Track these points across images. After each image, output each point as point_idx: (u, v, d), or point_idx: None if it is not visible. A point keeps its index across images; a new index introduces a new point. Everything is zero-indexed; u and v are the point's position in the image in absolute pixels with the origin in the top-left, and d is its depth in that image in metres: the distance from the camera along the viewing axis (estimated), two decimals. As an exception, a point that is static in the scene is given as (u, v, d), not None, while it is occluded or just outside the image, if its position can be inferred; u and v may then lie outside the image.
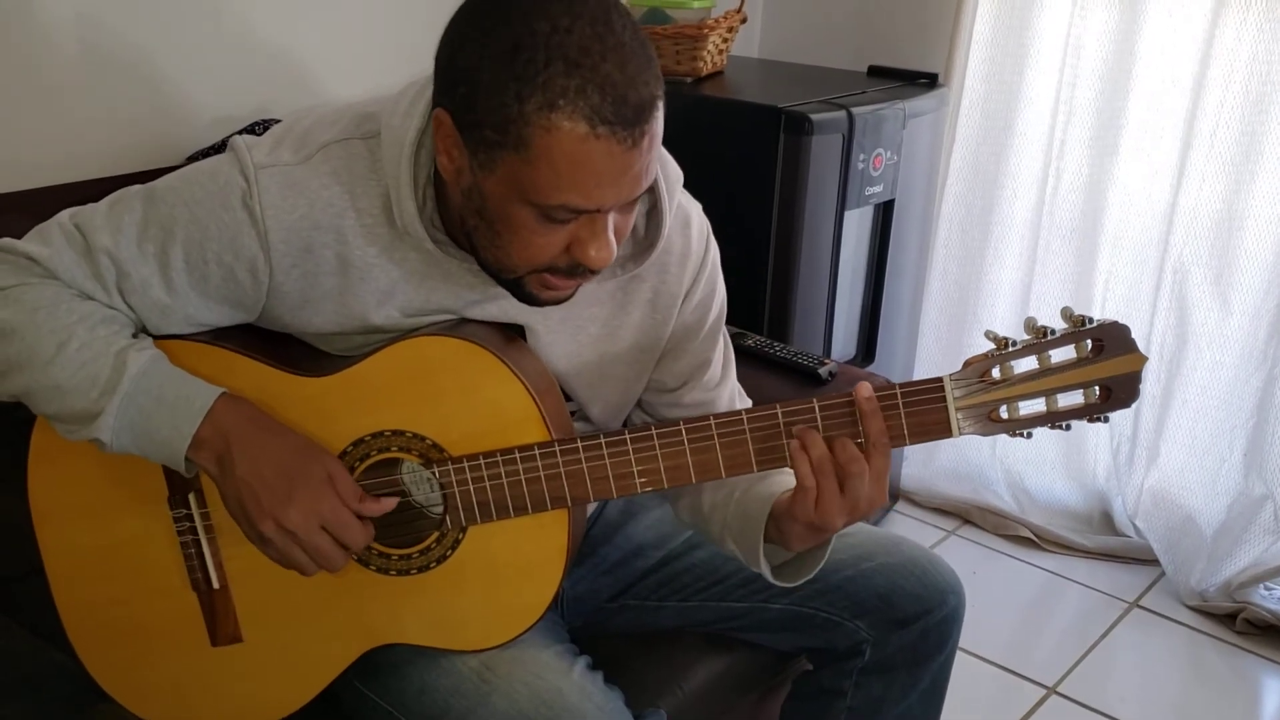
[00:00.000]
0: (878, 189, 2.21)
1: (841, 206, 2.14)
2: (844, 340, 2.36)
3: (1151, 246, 2.38)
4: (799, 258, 2.09)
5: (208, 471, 1.10)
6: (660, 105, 1.01)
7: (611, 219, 1.05)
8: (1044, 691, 2.10)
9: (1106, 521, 2.61)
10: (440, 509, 1.17)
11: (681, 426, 1.12)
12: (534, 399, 1.13)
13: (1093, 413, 1.12)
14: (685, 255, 1.25)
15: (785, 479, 1.21)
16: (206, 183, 1.13)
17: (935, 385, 1.10)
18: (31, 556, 1.22)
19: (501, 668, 1.17)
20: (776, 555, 1.22)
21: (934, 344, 2.68)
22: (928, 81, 2.40)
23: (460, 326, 1.17)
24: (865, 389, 1.08)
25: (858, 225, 2.27)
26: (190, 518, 1.18)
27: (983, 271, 2.58)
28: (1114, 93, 2.33)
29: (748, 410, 1.12)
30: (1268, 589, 2.33)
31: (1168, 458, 2.46)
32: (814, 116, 2.04)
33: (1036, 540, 2.57)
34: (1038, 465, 2.63)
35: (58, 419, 1.12)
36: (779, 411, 1.11)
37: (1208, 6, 2.19)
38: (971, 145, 2.51)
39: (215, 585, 1.19)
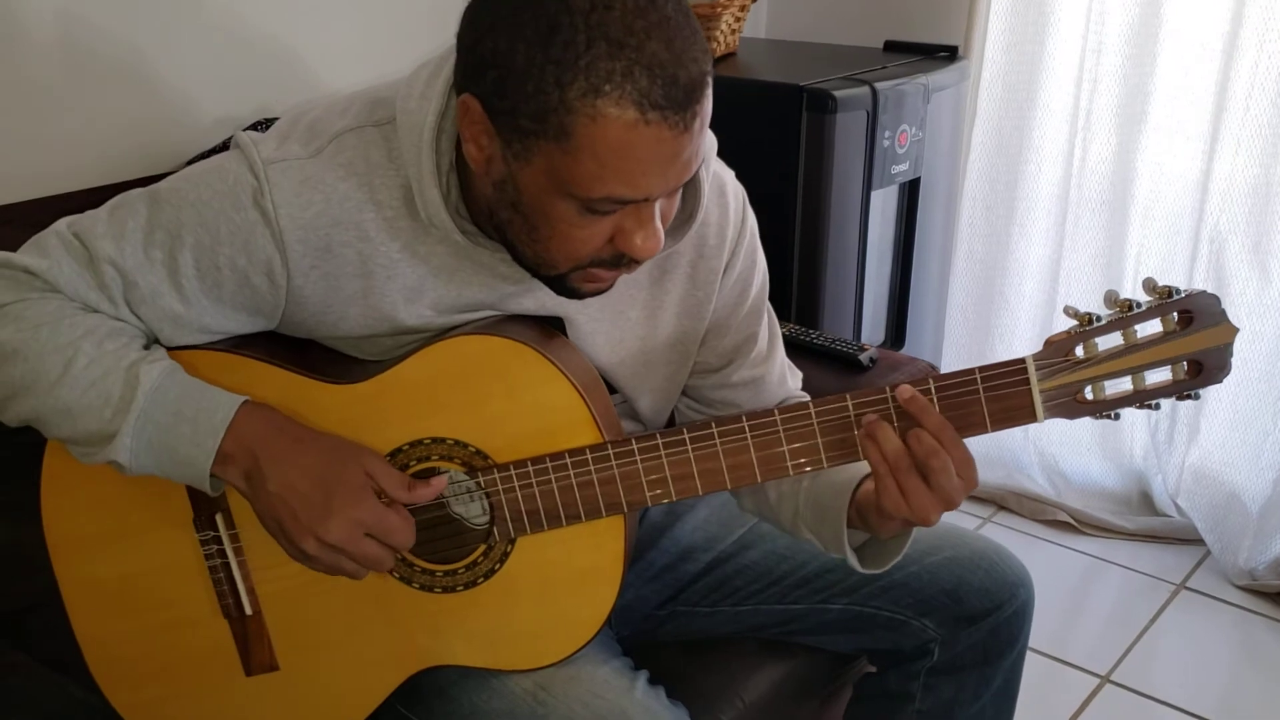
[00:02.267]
0: (903, 167, 2.13)
1: (868, 186, 2.07)
2: (872, 325, 2.29)
3: (1185, 217, 2.30)
4: (826, 241, 2.02)
5: (237, 488, 1.02)
6: (710, 82, 0.93)
7: (658, 206, 0.97)
8: (1097, 681, 2.03)
9: (1145, 502, 2.53)
10: (483, 521, 1.09)
11: (745, 421, 1.04)
12: (583, 398, 1.06)
13: (1183, 390, 1.04)
14: (723, 226, 1.18)
15: (858, 463, 1.13)
16: (214, 182, 1.05)
17: (1018, 367, 1.02)
18: (44, 587, 1.14)
19: (557, 687, 1.09)
20: (854, 538, 1.14)
21: (961, 327, 2.60)
22: (948, 55, 2.32)
23: (500, 324, 1.09)
24: (905, 390, 1.01)
25: (882, 206, 2.19)
26: (218, 540, 1.10)
27: (1009, 250, 2.50)
28: (1141, 59, 2.25)
29: (815, 401, 1.04)
30: (1319, 565, 2.26)
31: (1208, 434, 2.39)
32: (837, 93, 1.96)
33: (1075, 524, 2.50)
34: (1073, 447, 2.56)
35: (71, 442, 1.04)
36: (849, 403, 1.03)
37: (1236, -34, 2.11)
38: (994, 119, 2.44)
39: (248, 611, 1.12)
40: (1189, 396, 1.05)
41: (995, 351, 2.56)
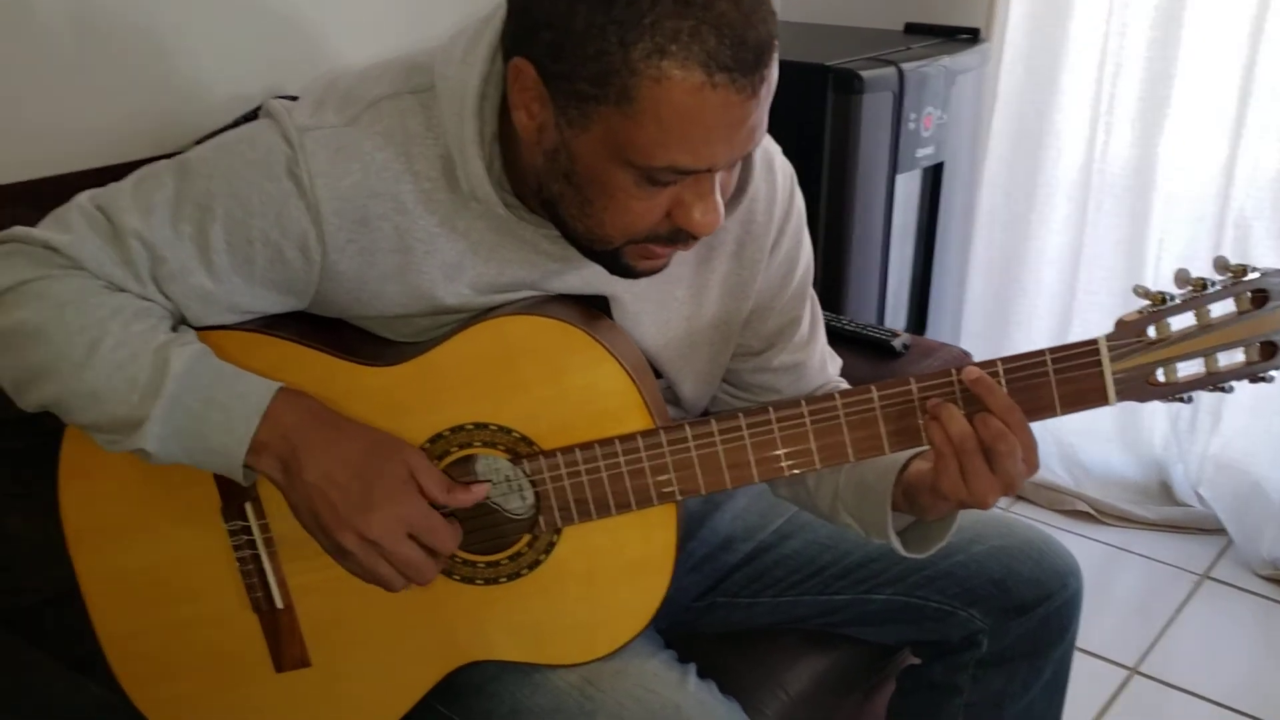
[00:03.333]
0: (929, 150, 2.09)
1: (893, 170, 2.02)
2: (894, 311, 2.25)
3: (1209, 202, 2.26)
4: (852, 225, 1.97)
5: (271, 479, 0.97)
6: (777, 46, 0.89)
7: (719, 178, 0.93)
8: (1126, 673, 1.99)
9: (1165, 492, 2.50)
10: (524, 510, 1.05)
11: (804, 406, 1.00)
12: (634, 381, 1.01)
13: (1256, 371, 1.01)
14: (771, 202, 1.13)
15: None
16: (245, 151, 0.99)
17: (1090, 349, 0.98)
18: (61, 581, 1.09)
19: (605, 681, 1.05)
20: (896, 522, 1.10)
21: (980, 317, 2.56)
22: (969, 37, 2.28)
23: (543, 304, 1.04)
24: (971, 372, 0.96)
25: (905, 190, 2.15)
26: (248, 530, 1.05)
27: (1028, 238, 2.46)
28: (1165, 41, 2.21)
29: (878, 385, 0.99)
30: (1344, 554, 2.23)
31: (1230, 422, 2.36)
32: (864, 74, 1.92)
33: (1094, 514, 2.47)
34: (1091, 437, 2.52)
35: (95, 429, 0.98)
36: (914, 386, 0.99)
37: (1265, -55, 2.07)
38: (1014, 103, 2.39)
39: (278, 605, 1.07)
40: (1263, 379, 1.02)
41: (1013, 340, 2.52)
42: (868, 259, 2.05)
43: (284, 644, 1.08)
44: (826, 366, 1.25)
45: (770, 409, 1.00)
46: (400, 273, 1.02)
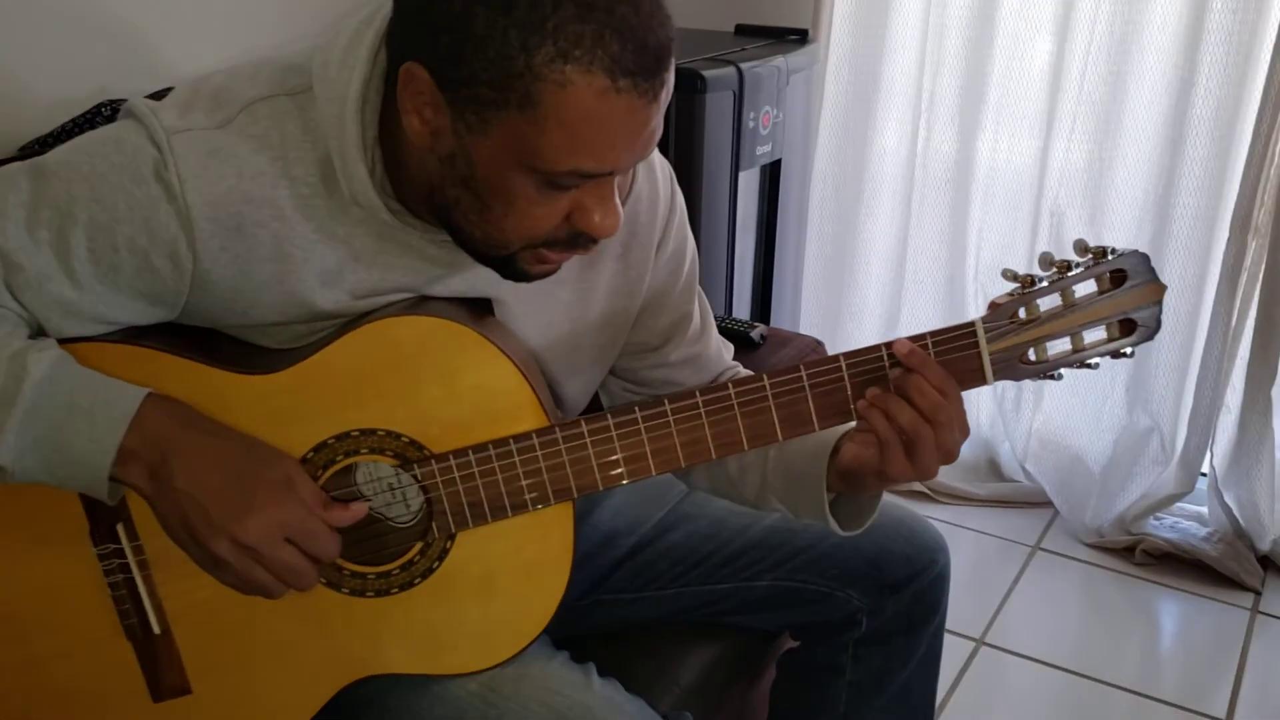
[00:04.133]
0: (767, 148, 2.14)
1: (735, 167, 2.06)
2: (739, 304, 2.28)
3: (1025, 193, 2.39)
4: (699, 222, 2.00)
5: (138, 489, 0.91)
6: (674, 50, 0.89)
7: (616, 181, 0.93)
8: (973, 644, 2.08)
9: (993, 469, 2.63)
10: (409, 519, 1.02)
11: (698, 397, 1.01)
12: (526, 379, 0.99)
13: (1117, 347, 1.06)
14: (654, 201, 1.13)
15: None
16: (109, 154, 0.93)
17: (968, 331, 1.01)
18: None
19: (506, 688, 1.03)
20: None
21: (815, 308, 2.63)
22: (798, 38, 2.34)
23: (426, 304, 1.02)
24: (903, 344, 0.99)
25: (746, 187, 2.19)
26: (120, 553, 0.99)
27: (857, 231, 2.55)
28: (980, 41, 2.32)
29: (805, 364, 1.00)
30: (1158, 519, 2.39)
31: (1051, 400, 2.50)
32: (705, 73, 1.94)
33: (929, 493, 2.57)
34: (924, 419, 2.62)
35: None
36: (801, 370, 1.01)
37: (1068, -50, 2.20)
38: (841, 102, 2.47)
39: (155, 630, 1.01)
40: (1123, 355, 1.07)
41: (847, 331, 2.61)
42: (715, 254, 2.08)
43: (162, 672, 1.02)
44: (723, 354, 1.26)
45: (666, 401, 1.01)
46: (278, 280, 0.97)
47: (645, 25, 0.84)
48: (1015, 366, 1.04)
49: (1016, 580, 2.29)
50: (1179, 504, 2.40)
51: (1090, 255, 1.03)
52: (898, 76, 2.42)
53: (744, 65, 2.03)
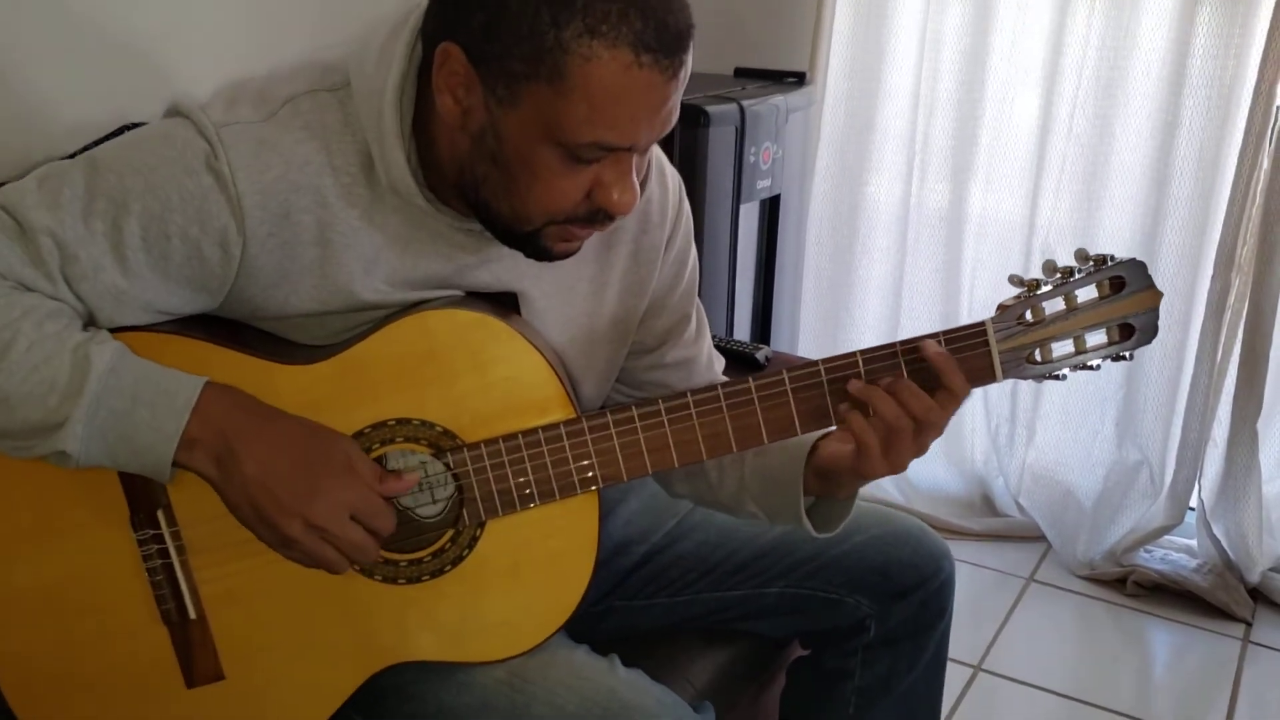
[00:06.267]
0: (766, 183, 2.20)
1: (737, 200, 2.12)
2: (739, 331, 2.34)
3: (1016, 231, 2.46)
4: (701, 251, 2.04)
5: (204, 475, 0.95)
6: (693, 36, 0.95)
7: (635, 161, 0.98)
8: (971, 671, 2.11)
9: (987, 504, 2.66)
10: (436, 512, 1.05)
11: (719, 390, 1.05)
12: (555, 372, 1.04)
13: (1117, 351, 1.11)
14: (665, 204, 1.19)
15: None
16: (160, 148, 0.98)
17: (978, 330, 1.06)
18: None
19: (533, 674, 1.06)
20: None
21: (812, 344, 2.68)
22: (796, 80, 2.41)
23: (459, 300, 1.06)
24: (931, 345, 1.04)
25: (746, 220, 2.25)
26: (159, 539, 1.02)
27: (853, 267, 2.60)
28: (971, 84, 2.40)
29: (789, 369, 1.05)
30: (1148, 551, 2.43)
31: (1044, 435, 2.54)
32: (709, 109, 2.01)
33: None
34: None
35: (3, 435, 0.94)
36: (821, 367, 1.05)
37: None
38: (837, 142, 2.54)
39: (191, 615, 1.04)
40: (1122, 358, 1.12)
41: (842, 366, 2.65)
42: (716, 283, 2.13)
43: (196, 657, 1.05)
44: (714, 364, 1.31)
45: (689, 394, 1.05)
46: (320, 265, 1.02)
47: (666, 7, 0.90)
48: (1022, 365, 1.08)
49: (1012, 610, 2.32)
50: (1169, 536, 2.44)
51: (1091, 262, 1.09)
52: (892, 118, 2.49)
53: (745, 102, 2.10)
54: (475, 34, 0.91)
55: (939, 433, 1.04)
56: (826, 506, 1.16)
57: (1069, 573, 2.45)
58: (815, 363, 1.06)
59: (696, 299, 1.29)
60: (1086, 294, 1.10)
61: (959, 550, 2.51)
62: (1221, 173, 2.23)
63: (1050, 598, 2.38)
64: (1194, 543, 2.44)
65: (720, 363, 1.34)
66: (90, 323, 0.99)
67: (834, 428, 1.08)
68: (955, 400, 1.03)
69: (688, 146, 2.01)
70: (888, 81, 2.47)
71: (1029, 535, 2.57)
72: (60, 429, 0.91)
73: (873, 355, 1.06)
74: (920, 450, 1.04)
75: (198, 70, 1.83)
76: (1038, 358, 1.09)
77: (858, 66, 2.48)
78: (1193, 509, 2.41)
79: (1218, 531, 2.38)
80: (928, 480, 2.68)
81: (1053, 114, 2.34)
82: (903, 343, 1.05)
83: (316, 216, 1.00)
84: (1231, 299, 2.25)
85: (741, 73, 2.48)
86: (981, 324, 1.06)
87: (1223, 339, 2.27)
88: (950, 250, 2.52)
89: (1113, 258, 1.09)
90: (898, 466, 1.04)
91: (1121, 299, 1.09)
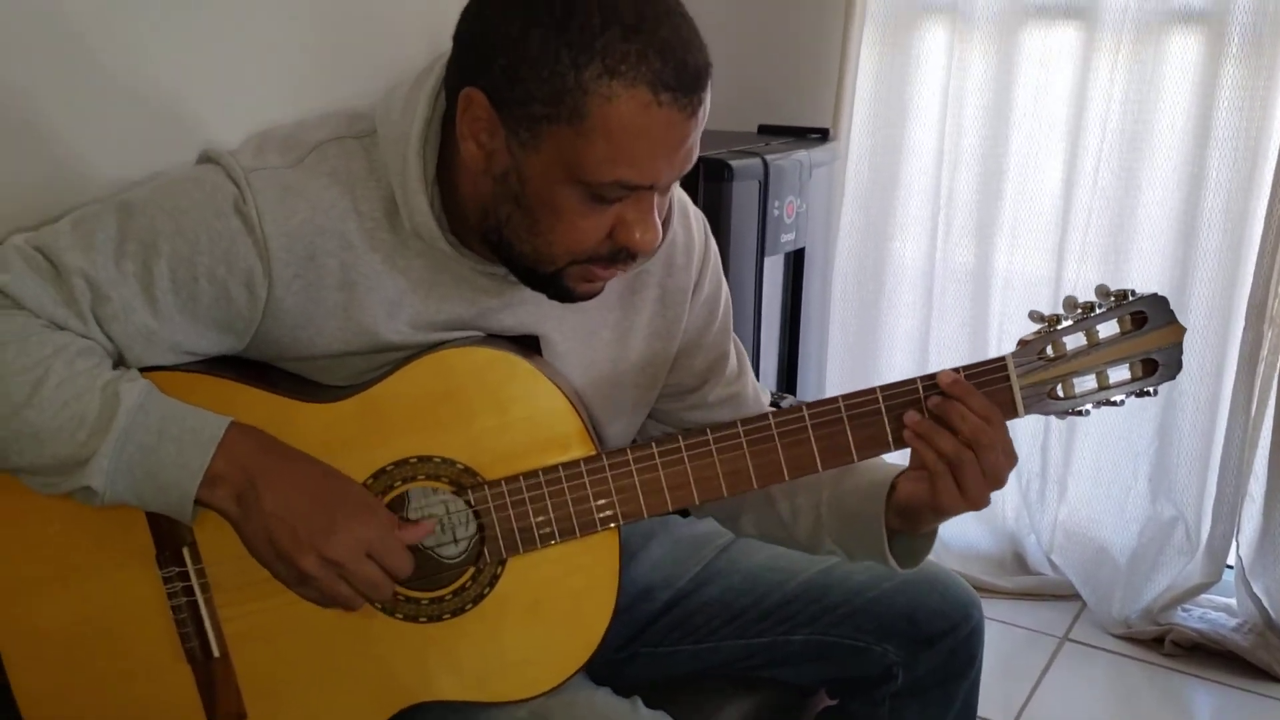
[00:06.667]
0: (790, 236, 2.21)
1: (761, 253, 2.13)
2: (765, 384, 2.33)
3: (1043, 285, 2.45)
4: (727, 305, 2.06)
5: (224, 512, 0.96)
6: (711, 75, 0.96)
7: (656, 200, 0.99)
8: (1005, 729, 2.07)
9: (1019, 562, 2.63)
10: (457, 553, 1.05)
11: (739, 427, 1.05)
12: (575, 410, 1.04)
13: (1140, 386, 1.11)
14: (690, 246, 1.20)
15: (871, 467, 1.14)
16: (190, 190, 1.01)
17: (999, 365, 1.06)
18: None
19: (555, 714, 1.06)
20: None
21: (839, 392, 2.66)
22: (819, 136, 2.44)
23: (484, 339, 1.07)
24: (947, 375, 1.04)
25: (771, 273, 2.26)
26: (184, 576, 1.03)
27: (879, 323, 2.60)
28: (995, 139, 2.41)
29: (808, 404, 1.05)
30: (1186, 609, 2.38)
31: (1075, 491, 2.51)
32: (733, 163, 2.03)
33: (957, 586, 2.56)
34: (949, 512, 2.63)
35: (32, 472, 0.96)
36: (841, 404, 1.05)
37: (1077, 54, 2.30)
38: (862, 198, 2.55)
39: (215, 653, 1.04)
40: (1146, 393, 1.11)
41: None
42: (742, 335, 2.12)
43: (219, 696, 1.05)
44: (760, 398, 1.31)
45: (709, 431, 1.05)
46: (344, 308, 1.03)
47: (685, 46, 0.92)
48: (1044, 401, 1.08)
49: (1045, 670, 2.27)
50: (1207, 594, 2.39)
51: (1112, 298, 1.09)
52: (916, 175, 2.50)
53: (769, 157, 2.12)
54: (497, 78, 0.93)
55: (1003, 456, 1.03)
56: (907, 542, 1.15)
57: (1104, 631, 2.40)
58: (835, 399, 1.06)
59: (734, 336, 1.29)
60: (1108, 329, 1.10)
61: (991, 609, 2.48)
62: (1250, 225, 2.22)
63: (1085, 657, 2.33)
64: (1233, 601, 2.38)
65: (766, 396, 1.34)
66: (120, 362, 1.01)
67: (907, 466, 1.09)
68: (996, 424, 1.03)
69: (711, 200, 2.03)
70: (911, 138, 2.49)
71: (1062, 594, 2.53)
72: (87, 464, 0.93)
73: (892, 391, 1.06)
74: (991, 477, 1.03)
75: (229, 122, 1.87)
76: (1060, 393, 1.09)
77: (880, 123, 2.50)
78: (1230, 566, 2.37)
79: (1257, 589, 2.33)
80: (959, 538, 2.64)
81: (1078, 168, 2.35)
82: (922, 378, 1.06)
83: (341, 260, 1.02)
84: (1265, 351, 2.22)
85: (765, 130, 2.51)
86: (1002, 359, 1.07)
87: (1256, 391, 2.24)
88: (977, 305, 2.52)
89: (1134, 293, 1.09)
90: (975, 499, 1.03)
91: (1143, 334, 1.09)
